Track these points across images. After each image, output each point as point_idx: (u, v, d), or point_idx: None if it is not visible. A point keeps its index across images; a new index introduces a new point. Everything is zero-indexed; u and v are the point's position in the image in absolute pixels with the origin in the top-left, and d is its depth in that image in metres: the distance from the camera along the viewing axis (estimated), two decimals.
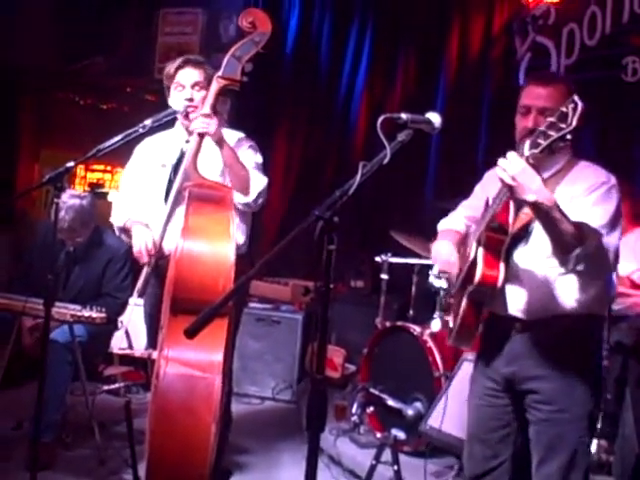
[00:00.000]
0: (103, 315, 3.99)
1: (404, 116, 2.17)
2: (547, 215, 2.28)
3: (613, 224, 2.42)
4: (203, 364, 2.69)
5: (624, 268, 4.20)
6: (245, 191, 3.23)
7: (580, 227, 2.31)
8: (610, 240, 2.40)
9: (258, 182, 3.28)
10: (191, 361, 2.69)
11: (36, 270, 4.30)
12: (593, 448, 3.81)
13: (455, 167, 5.97)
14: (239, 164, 3.23)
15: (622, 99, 5.13)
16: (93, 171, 7.13)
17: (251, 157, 3.38)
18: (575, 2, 5.51)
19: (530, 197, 2.23)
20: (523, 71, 5.73)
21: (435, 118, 2.24)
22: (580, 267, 2.39)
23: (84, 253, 4.34)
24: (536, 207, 2.27)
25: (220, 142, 3.18)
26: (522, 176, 2.21)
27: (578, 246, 2.31)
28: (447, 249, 2.70)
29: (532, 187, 2.21)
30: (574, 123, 2.06)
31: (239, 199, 3.23)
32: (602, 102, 5.11)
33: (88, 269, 4.36)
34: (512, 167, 2.21)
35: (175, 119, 3.39)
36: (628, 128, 5.14)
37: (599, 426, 3.89)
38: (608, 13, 5.22)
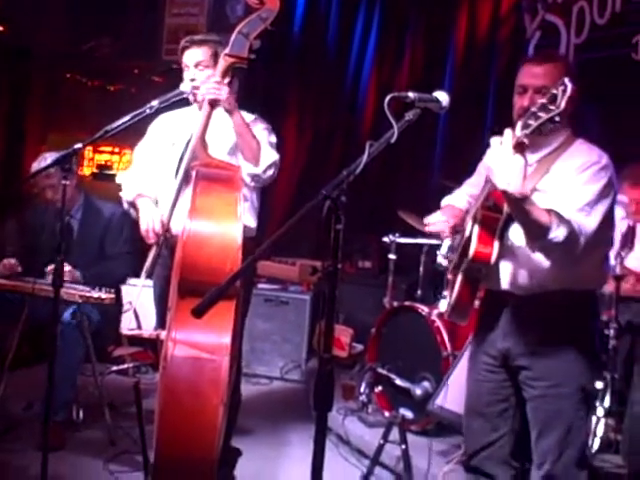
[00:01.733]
0: (112, 296, 4.02)
1: (411, 95, 2.17)
2: (515, 206, 2.30)
3: (595, 204, 2.41)
4: (211, 346, 2.69)
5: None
6: (255, 161, 3.19)
7: (551, 216, 2.31)
8: (588, 221, 2.38)
9: (269, 155, 3.25)
10: (199, 343, 2.69)
11: (37, 250, 4.33)
12: (601, 427, 3.83)
13: (462, 147, 5.93)
14: (250, 133, 3.19)
15: (633, 78, 5.09)
16: (101, 153, 7.12)
17: (265, 135, 3.36)
18: None
19: (500, 184, 2.23)
20: (532, 50, 5.69)
21: (442, 97, 2.23)
22: (545, 253, 2.42)
23: (80, 221, 4.38)
24: (505, 196, 2.29)
25: (231, 110, 3.15)
26: (502, 163, 2.21)
27: (546, 235, 2.32)
28: (435, 214, 2.76)
29: (506, 177, 2.21)
30: (562, 105, 2.07)
31: (248, 169, 3.19)
32: (612, 81, 5.08)
33: (86, 237, 4.39)
34: (499, 150, 2.23)
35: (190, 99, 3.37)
36: (637, 107, 5.10)
37: (607, 405, 3.91)
38: None
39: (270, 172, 3.26)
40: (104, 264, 4.32)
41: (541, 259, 2.48)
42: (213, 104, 3.12)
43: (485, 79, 6.04)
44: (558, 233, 2.32)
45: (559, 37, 5.55)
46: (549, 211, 2.33)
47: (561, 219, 2.33)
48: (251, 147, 3.19)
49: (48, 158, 4.09)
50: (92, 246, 4.39)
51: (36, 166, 4.18)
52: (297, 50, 7.09)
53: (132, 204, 3.42)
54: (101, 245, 4.40)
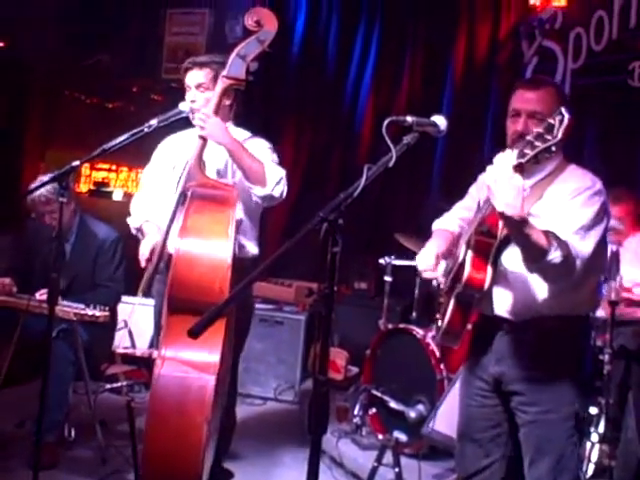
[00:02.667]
0: (106, 314, 4.01)
1: (410, 119, 2.18)
2: (514, 228, 2.30)
3: (589, 228, 2.42)
4: (199, 364, 2.70)
5: (628, 272, 4.20)
6: (262, 183, 3.17)
7: (549, 239, 2.31)
8: (582, 246, 2.39)
9: (275, 172, 3.23)
10: (187, 361, 2.69)
11: (31, 267, 4.32)
12: (595, 453, 3.81)
13: (460, 170, 5.94)
14: (249, 157, 3.17)
15: (628, 104, 5.13)
16: (98, 170, 7.13)
17: (268, 154, 3.36)
18: (582, 6, 5.50)
19: (499, 206, 2.22)
20: (529, 75, 5.72)
21: (441, 121, 2.25)
22: (543, 275, 2.41)
23: (73, 244, 4.35)
24: (503, 218, 2.28)
25: (219, 142, 3.15)
26: (502, 184, 2.20)
27: (544, 257, 2.31)
28: (427, 251, 2.73)
29: (506, 198, 2.20)
30: (559, 136, 2.07)
31: (258, 192, 3.18)
32: (608, 107, 5.12)
33: (78, 260, 4.35)
34: (498, 172, 2.21)
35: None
36: (634, 133, 5.13)
37: (601, 431, 3.89)
38: (615, 18, 5.21)
39: (280, 188, 3.24)
40: (89, 294, 4.25)
41: (535, 285, 2.48)
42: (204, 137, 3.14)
43: (483, 103, 6.07)
44: (556, 255, 2.31)
45: (556, 62, 5.59)
46: (547, 233, 2.32)
47: (559, 241, 2.33)
48: (252, 169, 3.17)
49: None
50: (84, 270, 4.35)
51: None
52: (295, 71, 7.11)
53: (139, 230, 3.43)
54: (92, 270, 4.37)
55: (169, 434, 2.62)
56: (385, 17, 6.76)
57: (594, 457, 3.80)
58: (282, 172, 3.28)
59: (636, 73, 5.05)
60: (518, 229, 2.28)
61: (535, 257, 2.34)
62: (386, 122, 2.06)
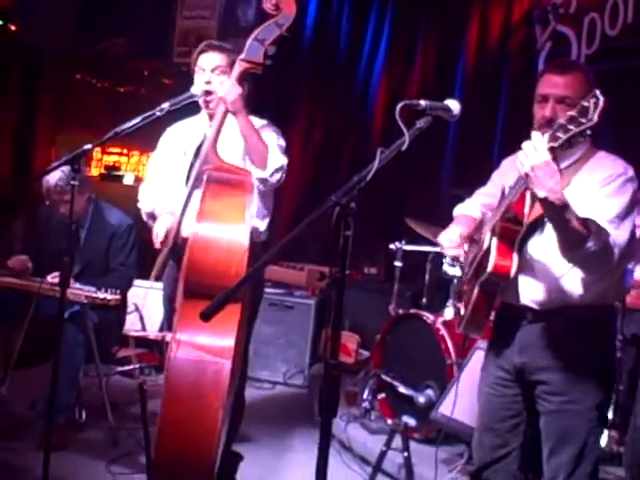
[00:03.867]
0: (118, 297, 4.03)
1: (423, 103, 2.16)
2: (555, 214, 2.26)
3: (624, 217, 2.38)
4: (214, 348, 2.69)
5: None
6: (262, 166, 3.18)
7: (588, 226, 2.28)
8: (619, 234, 2.35)
9: (277, 159, 3.23)
10: (202, 345, 2.69)
11: (43, 252, 4.34)
12: (604, 439, 3.81)
13: (472, 155, 5.94)
14: (257, 136, 3.18)
15: None
16: (109, 154, 7.14)
17: (274, 139, 3.35)
18: None
19: (541, 193, 2.19)
20: (543, 60, 5.68)
21: (454, 105, 2.23)
22: (583, 264, 2.37)
23: (87, 230, 4.37)
24: (545, 203, 2.23)
25: (237, 112, 3.14)
26: (541, 170, 2.16)
27: (584, 245, 2.28)
28: (451, 230, 2.70)
29: (547, 184, 2.17)
30: (595, 118, 2.03)
31: (256, 173, 3.19)
32: (623, 92, 5.07)
33: (92, 246, 4.38)
34: (535, 157, 2.16)
35: (199, 106, 3.37)
36: None
37: (610, 417, 3.89)
38: (630, 2, 5.15)
39: (277, 176, 3.24)
40: (102, 278, 4.28)
41: (562, 273, 2.45)
42: (226, 112, 3.12)
43: (496, 88, 6.03)
44: (595, 242, 2.27)
45: (570, 48, 5.54)
46: (585, 220, 2.28)
47: (598, 228, 2.30)
48: (258, 150, 3.18)
49: (49, 177, 4.13)
50: (98, 256, 4.37)
51: (48, 179, 4.18)
52: (308, 55, 7.09)
53: (151, 215, 3.43)
54: (106, 255, 4.39)
55: (185, 417, 2.62)
56: (397, 1, 6.73)
57: (603, 443, 3.80)
58: (284, 160, 3.28)
59: None
60: (560, 214, 2.24)
61: (574, 244, 2.30)
62: (399, 106, 2.04)
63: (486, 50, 6.21)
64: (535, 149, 2.16)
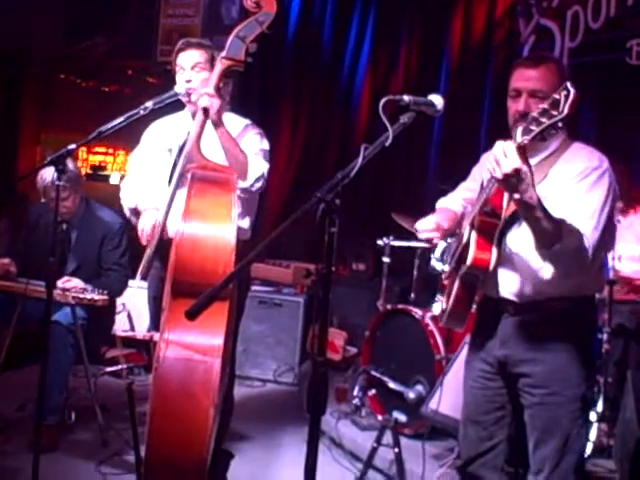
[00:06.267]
0: (105, 297, 4.02)
1: (406, 98, 2.16)
2: (527, 212, 2.27)
3: (600, 213, 2.39)
4: (203, 347, 2.69)
5: (626, 249, 4.21)
6: (243, 176, 3.19)
7: (561, 226, 2.29)
8: (593, 233, 2.36)
9: (257, 167, 3.25)
10: (191, 344, 2.68)
11: (32, 252, 4.31)
12: (593, 432, 3.83)
13: (457, 150, 5.95)
14: (236, 148, 3.19)
15: (626, 82, 5.11)
16: (95, 154, 7.13)
17: (256, 143, 3.35)
18: None
19: (515, 195, 2.20)
20: (527, 54, 5.70)
21: (437, 100, 2.23)
22: (555, 262, 2.38)
23: (79, 230, 4.34)
24: (518, 202, 2.25)
25: (218, 124, 3.15)
26: (512, 176, 2.16)
27: (555, 244, 2.29)
28: (428, 218, 2.72)
29: (519, 187, 2.18)
30: (566, 110, 2.03)
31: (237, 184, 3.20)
32: (606, 85, 5.10)
33: (84, 246, 4.35)
34: (506, 164, 2.16)
35: (183, 103, 3.37)
36: (631, 112, 5.12)
37: (600, 410, 3.91)
38: None
39: (258, 185, 3.26)
40: (99, 280, 4.26)
41: (541, 266, 2.46)
42: (206, 113, 3.12)
43: (480, 83, 6.05)
44: (568, 242, 2.29)
45: (554, 41, 5.57)
46: (559, 221, 2.29)
47: (571, 229, 2.31)
48: (238, 162, 3.17)
49: (45, 174, 4.10)
50: (90, 256, 4.34)
51: (45, 177, 4.15)
52: (292, 53, 7.08)
53: (134, 211, 3.41)
54: (98, 256, 4.36)
55: (175, 416, 2.61)
56: None
57: (592, 436, 3.82)
58: (265, 167, 3.29)
59: (634, 51, 5.03)
60: (531, 213, 2.25)
61: (546, 243, 2.31)
62: (383, 101, 2.05)
63: (470, 45, 6.23)
64: (505, 154, 2.16)
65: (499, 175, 2.17)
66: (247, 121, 3.44)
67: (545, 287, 2.49)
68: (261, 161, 3.29)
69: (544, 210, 2.25)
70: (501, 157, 2.17)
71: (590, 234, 2.35)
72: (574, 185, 2.42)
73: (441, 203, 2.93)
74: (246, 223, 3.39)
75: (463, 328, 2.77)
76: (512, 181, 2.17)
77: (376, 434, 3.72)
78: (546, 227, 2.27)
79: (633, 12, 5.09)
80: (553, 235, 2.28)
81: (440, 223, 2.69)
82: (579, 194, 2.40)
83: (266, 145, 3.39)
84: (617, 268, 4.06)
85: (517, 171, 2.14)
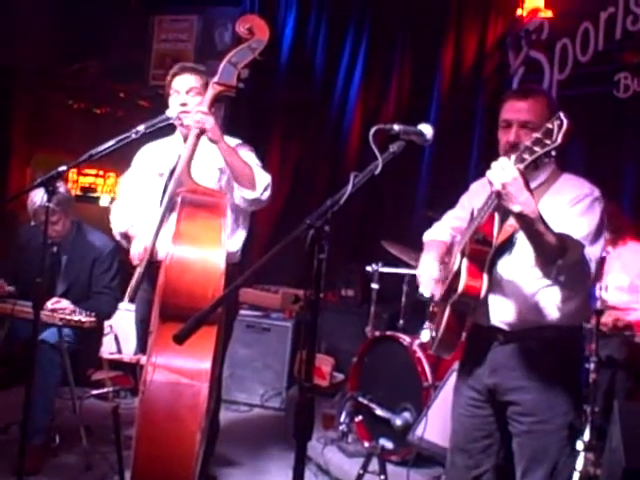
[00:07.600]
0: (92, 319, 4.00)
1: (396, 127, 2.19)
2: (531, 227, 2.28)
3: (596, 235, 2.43)
4: (191, 371, 2.68)
5: (615, 279, 4.24)
6: (252, 186, 3.23)
7: (563, 239, 2.31)
8: (592, 251, 2.40)
9: (263, 177, 3.30)
10: (179, 368, 2.68)
11: (21, 273, 4.29)
12: (580, 461, 3.82)
13: (447, 179, 5.98)
14: (240, 159, 3.23)
15: (614, 115, 5.17)
16: (85, 175, 7.12)
17: (253, 158, 3.40)
18: (568, 18, 5.55)
19: (515, 208, 2.21)
20: (516, 85, 5.76)
21: (427, 130, 2.26)
22: (562, 278, 2.39)
23: (69, 253, 4.33)
24: (520, 218, 2.26)
25: (217, 140, 3.16)
26: (512, 186, 2.18)
27: (560, 257, 2.31)
28: (429, 266, 2.71)
29: (520, 198, 2.20)
30: (559, 140, 2.06)
31: (246, 195, 3.23)
32: (594, 118, 5.15)
33: (74, 269, 4.33)
34: (504, 174, 2.18)
35: (175, 126, 3.39)
36: (619, 144, 5.17)
37: (587, 439, 3.91)
38: (601, 29, 5.26)
39: (267, 194, 3.31)
40: (88, 302, 4.23)
41: (532, 294, 2.48)
42: (199, 134, 3.14)
43: (470, 112, 6.10)
44: (572, 254, 2.31)
45: (542, 73, 5.64)
46: (561, 234, 2.32)
47: (574, 241, 2.34)
48: (244, 173, 3.21)
49: (35, 197, 4.10)
50: (80, 278, 4.32)
51: (34, 200, 4.15)
52: (283, 78, 7.12)
53: (124, 235, 3.42)
54: (89, 279, 4.34)
55: (162, 440, 2.60)
56: (373, 26, 6.79)
57: (579, 465, 3.81)
58: (269, 177, 3.34)
59: (622, 84, 5.10)
60: (535, 227, 2.26)
61: (551, 258, 2.32)
62: (373, 130, 2.07)
63: (460, 75, 6.28)
64: (503, 168, 2.19)
65: (498, 186, 2.19)
66: (238, 140, 3.48)
67: (535, 315, 2.51)
68: (263, 172, 3.33)
69: (546, 224, 2.27)
70: (499, 170, 2.20)
71: (589, 249, 2.38)
72: (568, 209, 2.45)
73: (428, 236, 2.94)
74: (236, 246, 3.40)
75: (451, 356, 2.77)
76: (512, 191, 2.18)
77: (363, 461, 3.70)
78: (549, 240, 2.28)
79: (621, 46, 5.16)
80: (557, 248, 2.30)
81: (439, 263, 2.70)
82: (574, 217, 2.43)
83: (259, 162, 3.44)
84: (604, 298, 4.08)
85: (516, 180, 2.16)
